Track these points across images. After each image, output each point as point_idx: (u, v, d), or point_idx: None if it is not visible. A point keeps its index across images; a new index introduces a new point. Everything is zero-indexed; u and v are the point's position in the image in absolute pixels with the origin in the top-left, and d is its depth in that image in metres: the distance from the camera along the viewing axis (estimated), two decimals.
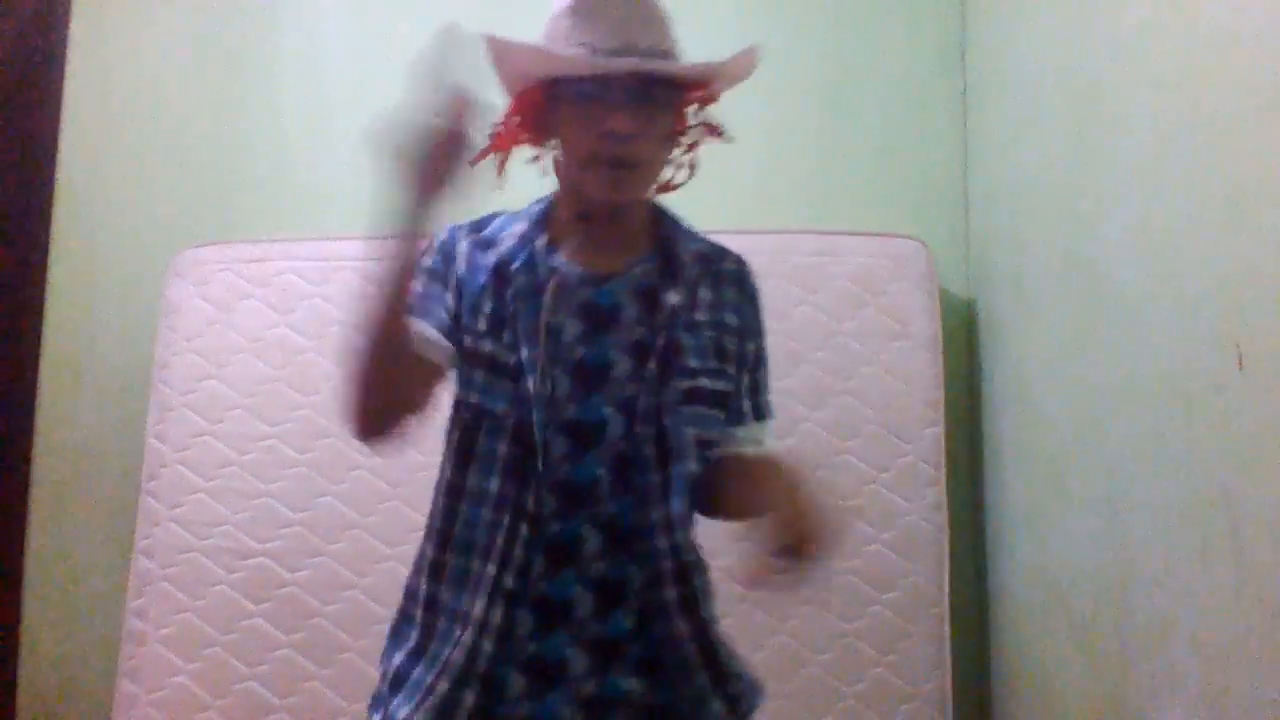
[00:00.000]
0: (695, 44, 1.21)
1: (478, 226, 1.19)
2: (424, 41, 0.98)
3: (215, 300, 2.18)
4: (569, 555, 1.09)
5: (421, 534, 1.18)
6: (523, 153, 1.20)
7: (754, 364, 1.24)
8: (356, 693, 1.97)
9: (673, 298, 1.13)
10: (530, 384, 1.08)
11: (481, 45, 1.10)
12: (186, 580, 2.05)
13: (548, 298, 1.11)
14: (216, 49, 2.41)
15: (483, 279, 1.14)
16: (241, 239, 2.24)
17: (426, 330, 1.11)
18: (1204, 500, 1.17)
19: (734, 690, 1.15)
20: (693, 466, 1.14)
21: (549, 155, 1.19)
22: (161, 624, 2.04)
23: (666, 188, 1.21)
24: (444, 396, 1.17)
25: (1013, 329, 1.92)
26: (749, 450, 1.21)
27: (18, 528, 2.29)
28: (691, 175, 1.20)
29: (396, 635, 1.17)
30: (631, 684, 1.11)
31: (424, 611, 1.13)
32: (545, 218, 1.19)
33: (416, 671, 1.11)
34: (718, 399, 1.17)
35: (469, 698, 1.07)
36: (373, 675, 1.21)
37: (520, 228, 1.17)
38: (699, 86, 1.14)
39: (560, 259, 1.15)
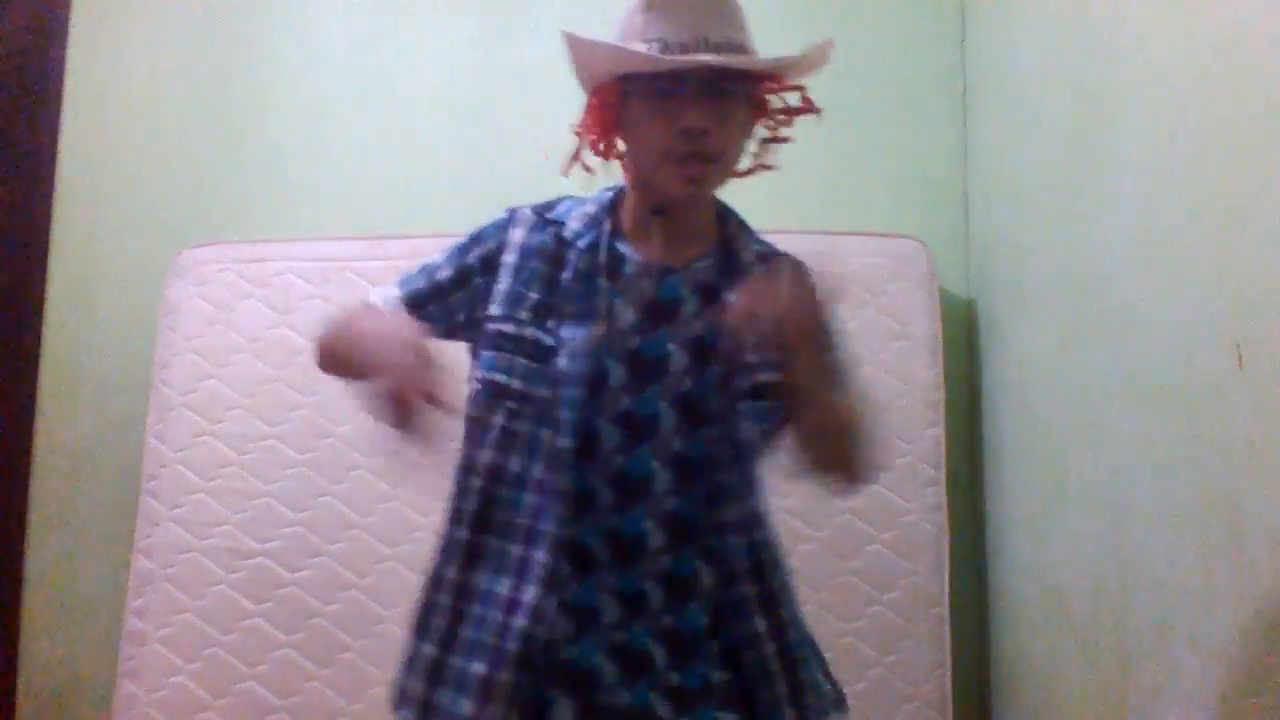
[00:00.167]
0: None
1: (545, 208, 1.20)
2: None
3: (215, 300, 2.18)
4: (633, 550, 1.09)
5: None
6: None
7: None
8: (356, 693, 1.97)
9: (732, 297, 1.13)
10: (563, 362, 1.09)
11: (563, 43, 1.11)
12: (186, 580, 2.05)
13: (605, 281, 1.12)
14: (216, 49, 2.41)
15: (535, 264, 1.14)
16: (241, 239, 2.24)
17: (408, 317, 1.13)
18: (1204, 500, 1.17)
19: (809, 701, 1.14)
20: (755, 464, 1.15)
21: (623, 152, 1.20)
22: (161, 624, 2.04)
23: (747, 173, 1.20)
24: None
25: (1013, 329, 1.92)
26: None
27: (18, 528, 2.29)
28: (771, 160, 1.21)
29: (423, 627, 1.14)
30: (715, 675, 1.11)
31: (454, 598, 1.12)
32: (614, 205, 1.20)
33: (457, 661, 1.09)
34: (775, 394, 1.16)
35: (526, 683, 1.06)
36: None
37: (589, 210, 1.19)
38: (773, 78, 1.14)
39: (624, 247, 1.16)
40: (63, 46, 2.42)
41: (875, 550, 1.96)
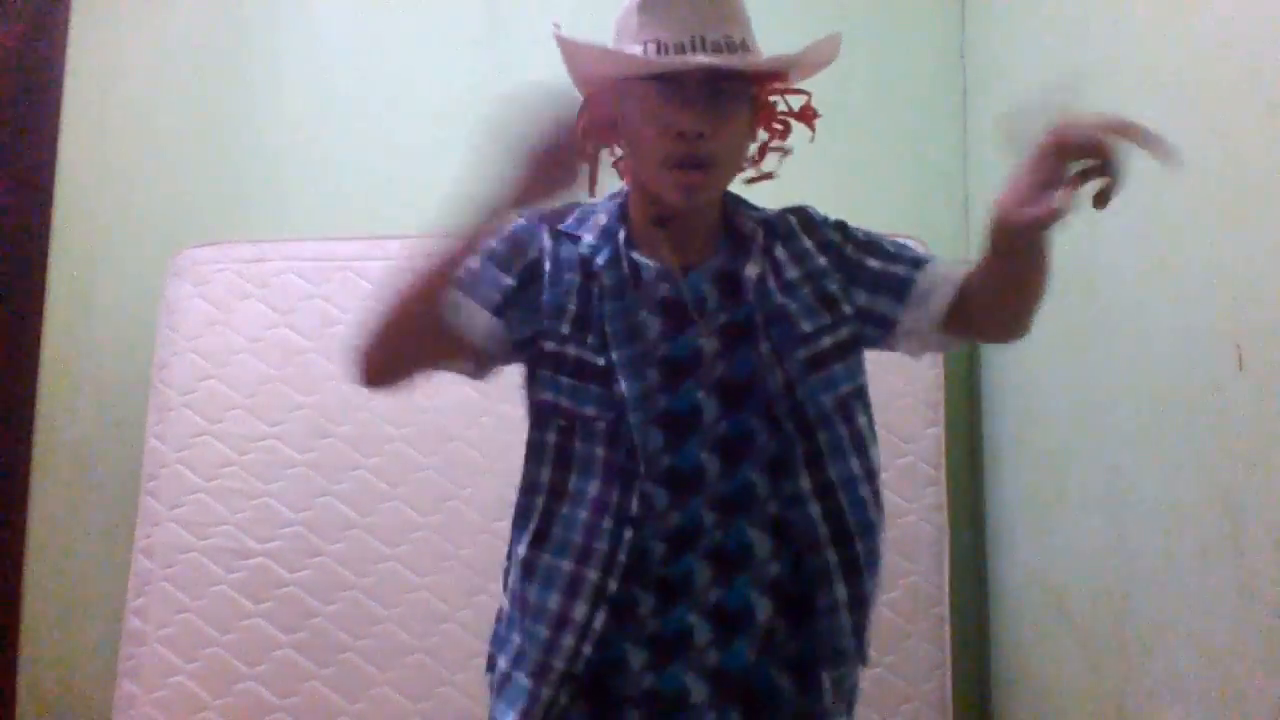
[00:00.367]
0: None
1: (556, 218, 1.15)
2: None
3: (215, 300, 2.18)
4: (689, 539, 1.06)
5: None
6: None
7: (864, 255, 1.16)
8: (356, 693, 1.97)
9: (751, 270, 1.10)
10: (624, 387, 1.05)
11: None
12: (186, 580, 2.05)
13: (634, 293, 1.09)
14: (216, 49, 2.41)
15: (569, 276, 1.10)
16: (241, 239, 2.24)
17: (469, 306, 1.08)
18: (1204, 500, 1.17)
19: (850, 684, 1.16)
20: (842, 430, 1.09)
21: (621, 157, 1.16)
22: (161, 624, 2.04)
23: (755, 179, 1.16)
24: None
25: None
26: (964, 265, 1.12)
27: (18, 527, 2.29)
28: (782, 160, 1.17)
29: (503, 641, 1.13)
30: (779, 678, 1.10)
31: (519, 613, 1.10)
32: (624, 211, 1.15)
33: (518, 676, 1.08)
34: (843, 349, 1.12)
35: (566, 700, 1.05)
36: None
37: (601, 221, 1.14)
38: (775, 77, 1.10)
39: (640, 256, 1.12)
40: (63, 46, 2.42)
41: None
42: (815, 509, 1.07)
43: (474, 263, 1.08)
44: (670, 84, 1.03)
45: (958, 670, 1.94)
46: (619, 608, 1.05)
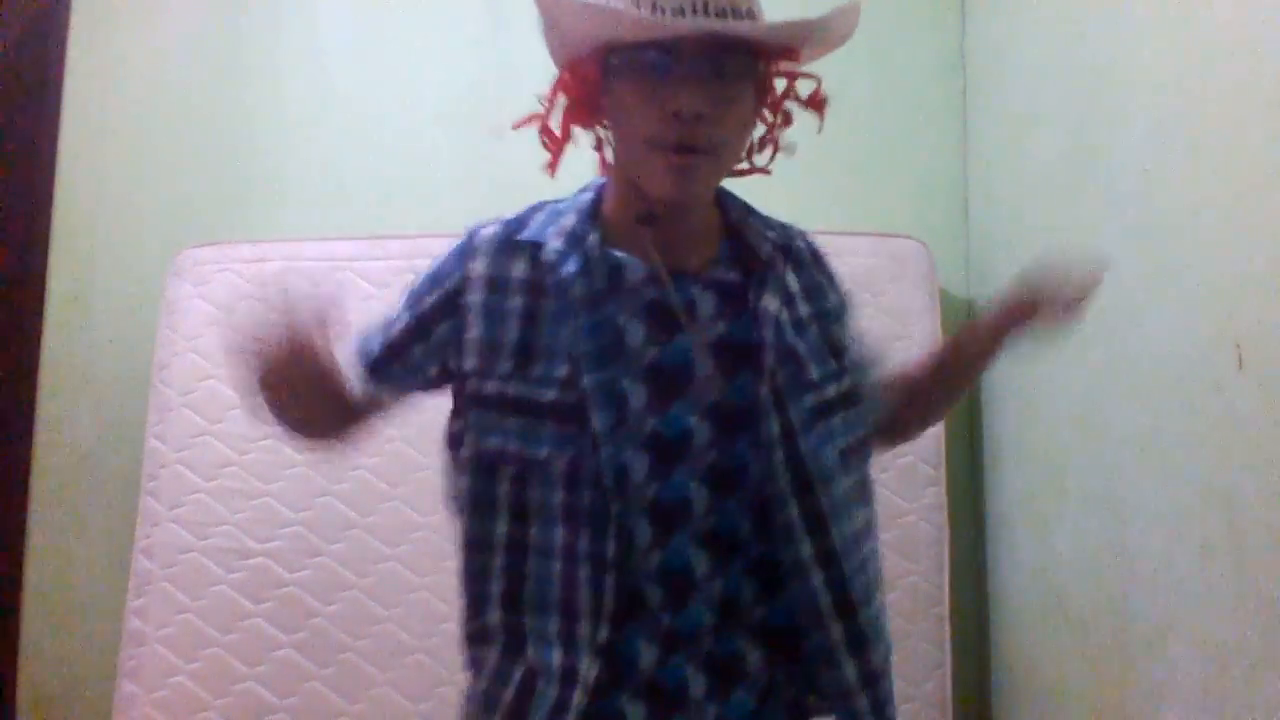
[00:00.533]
0: None
1: (514, 227, 1.02)
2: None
3: (215, 300, 2.18)
4: (687, 584, 0.95)
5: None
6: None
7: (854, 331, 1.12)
8: (356, 693, 1.97)
9: (771, 304, 0.98)
10: (595, 419, 0.92)
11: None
12: (186, 580, 2.05)
13: (611, 307, 0.96)
14: (216, 49, 2.41)
15: (512, 302, 0.97)
16: (241, 239, 2.24)
17: (352, 361, 1.03)
18: (1204, 500, 1.17)
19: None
20: (845, 486, 0.99)
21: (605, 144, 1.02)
22: (161, 624, 2.04)
23: (746, 172, 1.03)
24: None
25: None
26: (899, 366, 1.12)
27: (18, 528, 2.29)
28: (775, 157, 1.04)
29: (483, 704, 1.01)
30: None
31: (499, 686, 0.99)
32: (595, 209, 1.02)
33: None
34: (846, 401, 1.03)
35: None
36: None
37: (568, 224, 1.00)
38: (786, 53, 0.97)
39: (620, 254, 0.98)
40: (63, 46, 2.42)
41: None
42: (818, 578, 0.96)
43: (396, 319, 1.04)
44: (666, 55, 0.89)
45: (958, 670, 1.94)
46: (614, 658, 0.94)
